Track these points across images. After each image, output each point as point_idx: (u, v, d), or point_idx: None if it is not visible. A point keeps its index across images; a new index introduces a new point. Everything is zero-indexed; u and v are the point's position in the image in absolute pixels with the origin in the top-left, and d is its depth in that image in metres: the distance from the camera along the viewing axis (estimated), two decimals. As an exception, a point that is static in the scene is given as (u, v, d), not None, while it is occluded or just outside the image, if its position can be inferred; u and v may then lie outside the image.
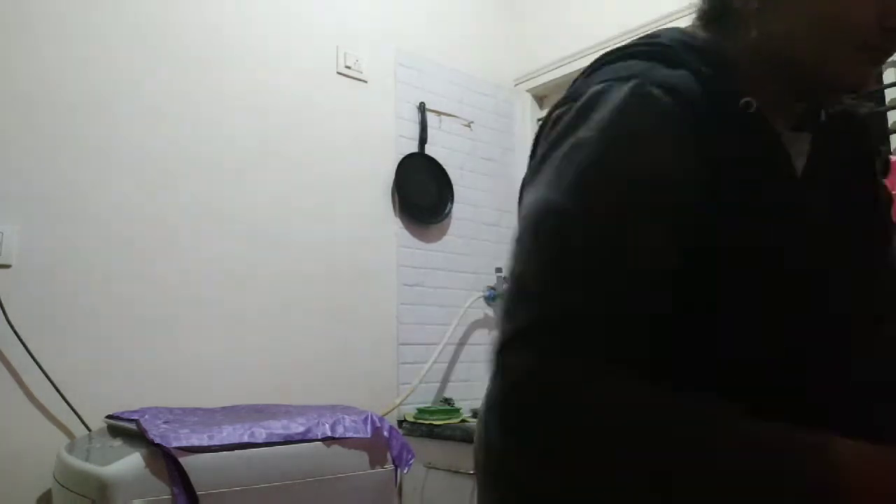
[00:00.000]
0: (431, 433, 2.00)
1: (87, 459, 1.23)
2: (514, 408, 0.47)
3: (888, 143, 1.80)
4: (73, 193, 1.61)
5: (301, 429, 1.34)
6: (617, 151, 0.55)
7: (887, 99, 1.82)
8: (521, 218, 0.58)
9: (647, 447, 0.46)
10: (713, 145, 0.57)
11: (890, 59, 1.98)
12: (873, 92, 1.82)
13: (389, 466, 1.46)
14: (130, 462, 1.15)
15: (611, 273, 0.51)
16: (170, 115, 1.79)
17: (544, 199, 0.55)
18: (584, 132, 0.56)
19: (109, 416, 1.48)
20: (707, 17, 0.69)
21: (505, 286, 0.56)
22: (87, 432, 1.52)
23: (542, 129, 0.65)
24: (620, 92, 0.57)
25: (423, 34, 2.46)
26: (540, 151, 0.61)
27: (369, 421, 1.44)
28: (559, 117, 0.61)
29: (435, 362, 2.23)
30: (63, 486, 1.26)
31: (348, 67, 2.21)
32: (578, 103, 0.59)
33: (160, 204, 1.75)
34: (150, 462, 1.16)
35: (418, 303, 2.28)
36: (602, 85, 0.59)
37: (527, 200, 0.58)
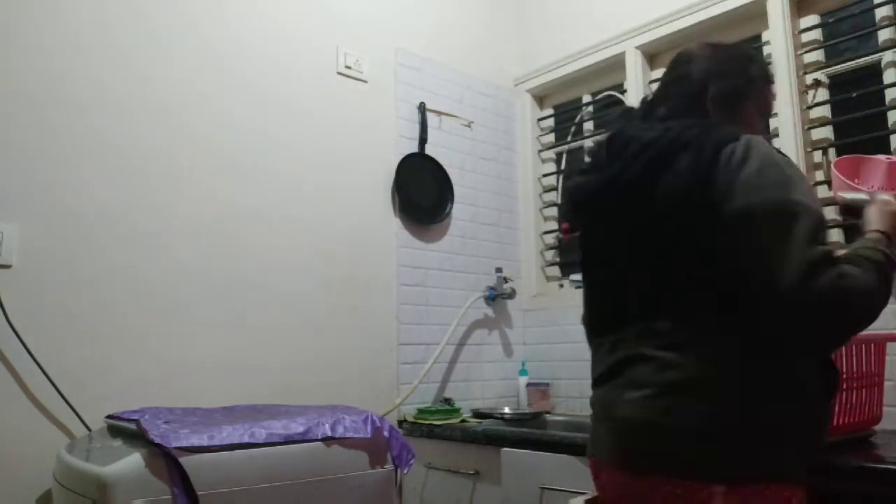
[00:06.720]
0: (431, 433, 2.00)
1: (87, 459, 1.23)
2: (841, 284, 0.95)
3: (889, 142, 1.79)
4: (73, 193, 1.61)
5: (301, 429, 1.34)
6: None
7: (887, 99, 1.81)
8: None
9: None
10: None
11: (890, 59, 1.96)
12: (874, 91, 1.82)
13: (389, 466, 1.46)
14: (130, 462, 1.15)
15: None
16: (169, 117, 1.79)
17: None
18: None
19: (109, 416, 1.48)
20: None
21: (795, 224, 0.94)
22: (87, 432, 1.52)
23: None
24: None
25: (422, 34, 2.47)
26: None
27: (369, 421, 1.44)
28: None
29: (435, 362, 2.24)
30: (63, 486, 1.26)
31: (348, 67, 2.21)
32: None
33: (160, 203, 1.75)
34: (150, 462, 1.16)
35: (418, 303, 2.28)
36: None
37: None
